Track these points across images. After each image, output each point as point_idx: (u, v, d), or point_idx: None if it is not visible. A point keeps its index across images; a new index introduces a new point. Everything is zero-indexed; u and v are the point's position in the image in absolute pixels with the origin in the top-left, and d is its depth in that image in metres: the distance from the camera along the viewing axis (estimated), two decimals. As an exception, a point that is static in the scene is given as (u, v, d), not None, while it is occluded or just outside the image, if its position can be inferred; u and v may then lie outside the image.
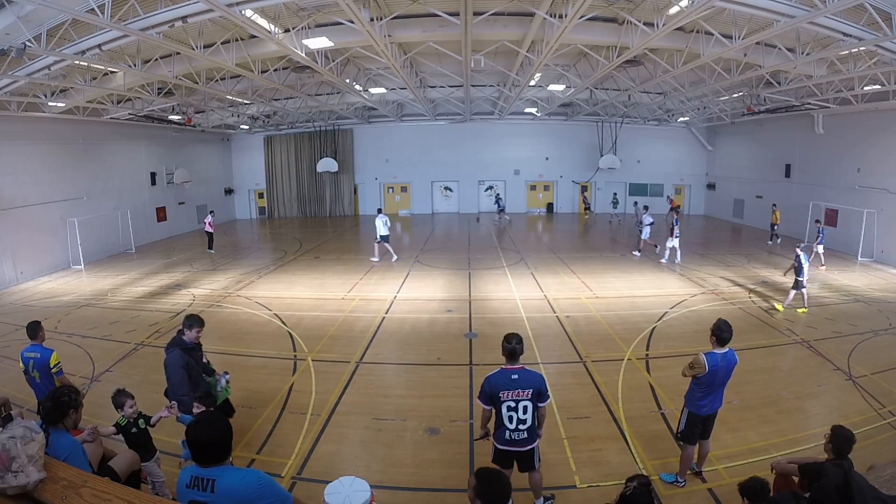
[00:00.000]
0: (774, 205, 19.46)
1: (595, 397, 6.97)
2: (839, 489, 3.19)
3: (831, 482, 3.24)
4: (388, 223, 16.01)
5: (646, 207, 17.76)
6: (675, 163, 27.94)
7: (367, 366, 8.18)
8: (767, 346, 8.68)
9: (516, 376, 4.07)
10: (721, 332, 4.57)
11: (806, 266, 10.51)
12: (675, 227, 15.27)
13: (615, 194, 26.97)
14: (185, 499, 2.52)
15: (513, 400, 4.06)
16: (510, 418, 4.10)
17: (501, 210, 25.30)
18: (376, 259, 15.98)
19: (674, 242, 15.29)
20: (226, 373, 5.63)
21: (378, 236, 15.72)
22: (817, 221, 15.80)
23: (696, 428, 4.80)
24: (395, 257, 15.97)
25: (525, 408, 4.09)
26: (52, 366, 5.36)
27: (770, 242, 18.80)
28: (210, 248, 18.47)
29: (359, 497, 3.47)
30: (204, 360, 5.52)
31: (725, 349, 4.61)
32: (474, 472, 2.67)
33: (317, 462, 5.53)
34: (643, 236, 16.74)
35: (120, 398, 4.57)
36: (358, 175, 28.75)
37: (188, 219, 24.53)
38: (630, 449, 5.70)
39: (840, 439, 3.64)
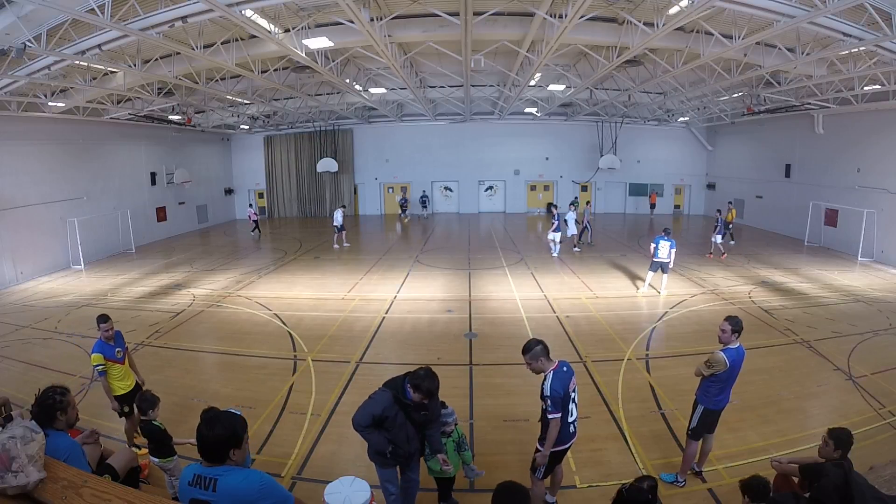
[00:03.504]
0: (730, 202, 19.41)
1: (595, 397, 6.96)
2: (839, 489, 3.20)
3: (831, 482, 3.24)
4: (342, 215, 19.14)
5: (572, 204, 18.18)
6: (675, 163, 27.95)
7: (367, 366, 8.18)
8: (767, 346, 8.68)
9: (565, 368, 4.11)
10: (739, 325, 4.67)
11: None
12: (556, 223, 16.23)
13: (575, 197, 26.08)
14: (186, 496, 2.52)
15: (572, 390, 4.12)
16: (571, 411, 4.13)
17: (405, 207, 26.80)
18: (340, 246, 18.90)
19: (553, 236, 16.31)
20: (446, 461, 4.46)
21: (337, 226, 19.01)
22: (718, 211, 16.80)
23: (706, 423, 4.85)
24: (344, 244, 18.92)
25: (576, 390, 4.20)
26: (93, 364, 5.44)
27: (732, 242, 18.67)
28: (258, 231, 22.31)
29: (359, 497, 3.48)
30: (450, 427, 4.40)
31: (737, 344, 4.69)
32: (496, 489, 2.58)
33: (317, 462, 5.53)
34: (569, 232, 17.20)
35: (154, 400, 4.73)
36: (358, 175, 28.74)
37: (188, 219, 24.55)
38: (630, 449, 5.70)
39: (841, 441, 3.63)
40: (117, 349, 5.62)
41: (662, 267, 11.63)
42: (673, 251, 11.44)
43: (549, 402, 3.98)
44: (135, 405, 4.88)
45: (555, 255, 16.38)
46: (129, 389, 5.68)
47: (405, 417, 3.86)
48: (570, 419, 4.13)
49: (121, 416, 5.70)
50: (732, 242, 18.53)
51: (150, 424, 4.63)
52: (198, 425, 2.57)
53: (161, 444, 4.65)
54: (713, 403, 4.79)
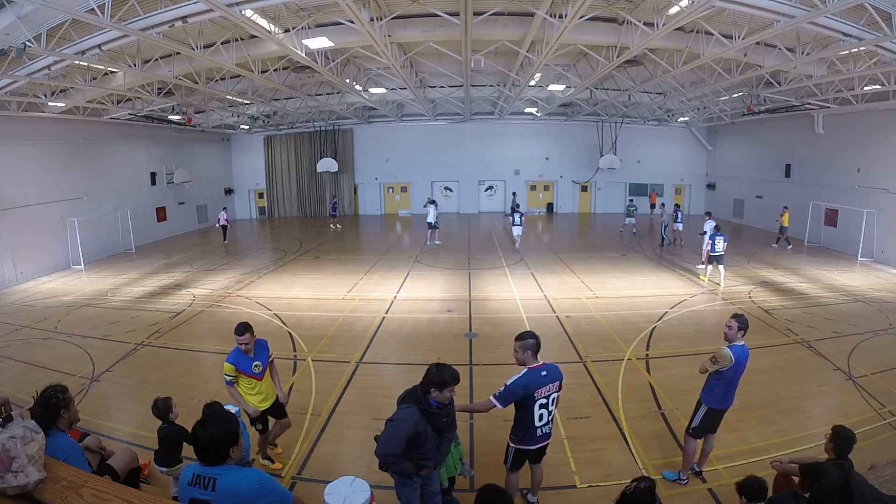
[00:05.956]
0: (785, 206, 18.29)
1: (595, 397, 6.97)
2: (839, 489, 3.19)
3: (831, 482, 3.24)
4: (433, 212, 18.81)
5: (708, 213, 16.55)
6: (675, 163, 27.97)
7: (367, 366, 8.18)
8: (767, 346, 8.67)
9: (545, 372, 4.10)
10: (746, 324, 4.68)
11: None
12: (514, 216, 18.08)
13: (631, 200, 23.61)
14: (186, 496, 2.52)
15: (545, 396, 4.09)
16: (541, 416, 4.12)
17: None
18: (431, 243, 18.87)
19: (517, 231, 17.99)
20: (471, 470, 4.78)
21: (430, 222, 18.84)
22: (676, 205, 18.82)
23: (709, 423, 4.85)
24: (436, 242, 18.72)
25: (554, 399, 4.18)
26: (223, 373, 4.95)
27: (776, 245, 17.98)
28: (224, 239, 20.77)
29: (359, 497, 3.48)
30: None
31: (742, 342, 4.70)
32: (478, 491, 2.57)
33: (317, 462, 5.53)
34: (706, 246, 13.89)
35: (168, 402, 4.73)
36: (358, 175, 28.75)
37: (188, 219, 24.55)
38: (630, 449, 5.70)
39: (841, 439, 3.65)
40: (256, 363, 4.86)
41: (718, 260, 12.59)
42: (726, 244, 12.61)
43: (503, 390, 4.02)
44: (154, 414, 4.70)
45: (517, 246, 18.00)
46: (263, 407, 5.06)
47: (432, 428, 3.69)
48: (539, 423, 4.13)
49: (252, 425, 5.08)
50: (790, 247, 17.64)
51: (171, 426, 4.65)
52: (193, 426, 2.58)
53: (177, 448, 4.62)
54: (719, 403, 4.79)
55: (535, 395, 4.04)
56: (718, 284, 12.66)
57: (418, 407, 3.59)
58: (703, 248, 13.16)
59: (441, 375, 3.55)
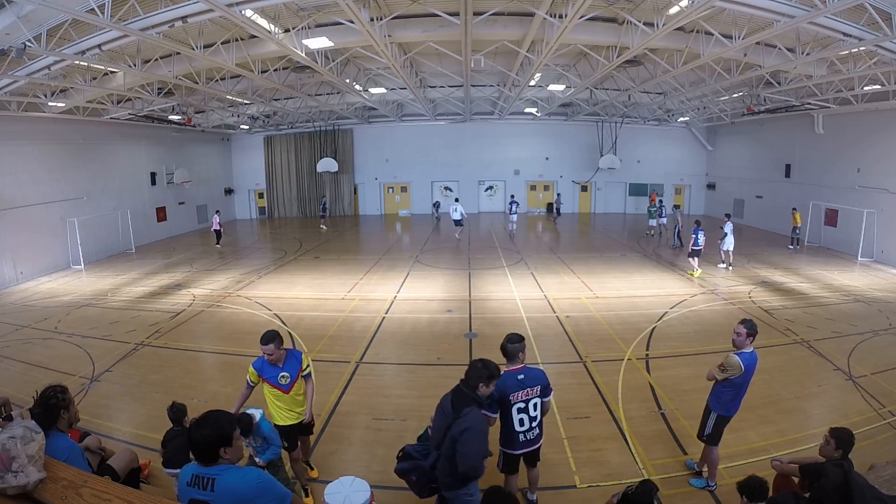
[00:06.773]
0: (794, 208, 17.91)
1: (595, 397, 6.97)
2: (839, 489, 3.19)
3: (831, 482, 3.24)
4: (459, 210, 19.94)
5: (727, 215, 16.50)
6: (675, 163, 27.96)
7: (367, 366, 8.18)
8: (767, 346, 8.64)
9: (522, 376, 4.07)
10: (755, 329, 4.62)
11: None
12: (511, 207, 21.41)
13: (651, 202, 22.37)
14: (185, 497, 2.52)
15: (522, 401, 4.05)
16: (521, 421, 4.08)
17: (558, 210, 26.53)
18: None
19: (512, 218, 21.30)
20: None
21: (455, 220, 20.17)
22: (661, 201, 20.17)
23: (721, 429, 4.80)
24: (458, 239, 19.92)
25: (535, 405, 4.13)
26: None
27: (798, 248, 17.61)
28: (217, 243, 19.80)
29: (359, 497, 3.48)
30: None
31: (751, 348, 4.65)
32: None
33: (317, 462, 5.52)
34: (725, 247, 14.59)
35: (185, 408, 4.71)
36: (358, 175, 28.75)
37: (188, 219, 24.56)
38: (630, 449, 5.70)
39: (844, 442, 3.62)
40: (283, 374, 4.47)
41: (697, 253, 13.84)
42: (705, 239, 13.83)
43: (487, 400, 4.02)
44: (169, 416, 4.62)
45: (512, 230, 21.38)
46: (288, 423, 4.60)
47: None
48: (519, 429, 4.08)
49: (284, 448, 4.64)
50: (790, 248, 17.55)
51: (184, 429, 4.62)
52: (189, 426, 2.60)
53: (187, 451, 4.56)
54: (727, 410, 4.74)
55: (511, 398, 4.01)
56: (693, 274, 13.75)
57: (477, 406, 3.58)
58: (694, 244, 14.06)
59: (489, 369, 3.61)
